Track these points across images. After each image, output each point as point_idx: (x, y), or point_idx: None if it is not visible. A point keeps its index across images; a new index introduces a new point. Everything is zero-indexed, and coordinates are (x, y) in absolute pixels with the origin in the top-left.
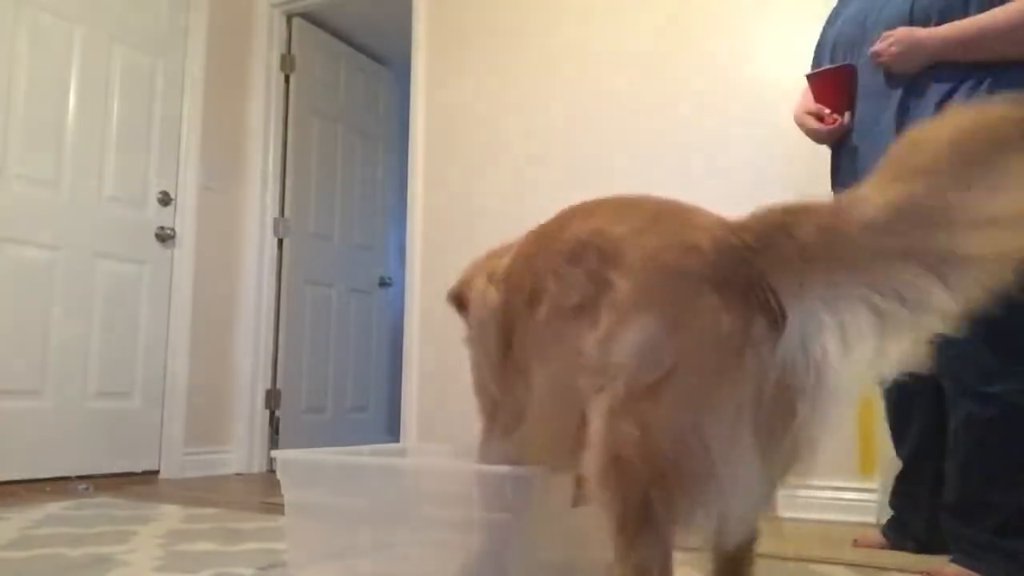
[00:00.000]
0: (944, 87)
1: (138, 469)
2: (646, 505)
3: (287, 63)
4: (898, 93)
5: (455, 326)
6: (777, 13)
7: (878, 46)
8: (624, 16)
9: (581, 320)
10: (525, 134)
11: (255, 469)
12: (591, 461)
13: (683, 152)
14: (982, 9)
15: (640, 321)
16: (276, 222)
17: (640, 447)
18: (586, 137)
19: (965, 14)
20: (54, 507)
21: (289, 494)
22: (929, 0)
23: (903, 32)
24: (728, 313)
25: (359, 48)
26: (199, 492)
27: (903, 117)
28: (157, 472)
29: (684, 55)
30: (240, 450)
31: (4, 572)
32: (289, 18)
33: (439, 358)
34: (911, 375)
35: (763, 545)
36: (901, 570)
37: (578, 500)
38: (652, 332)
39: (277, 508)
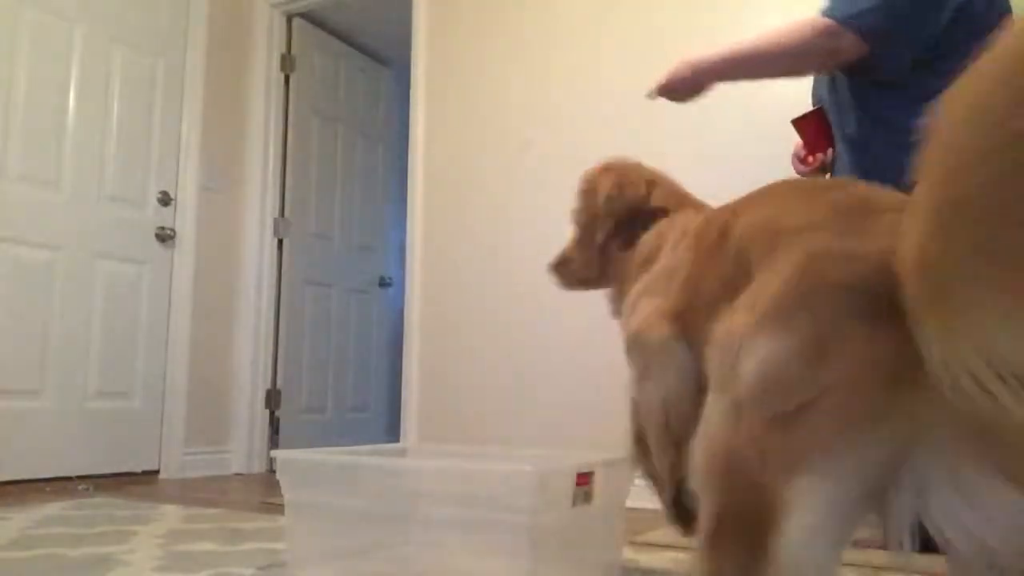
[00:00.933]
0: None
1: (138, 469)
2: (747, 504)
3: (287, 63)
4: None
5: (455, 326)
6: (781, 4)
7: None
8: (625, 14)
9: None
10: (526, 134)
11: (255, 469)
12: (700, 451)
13: (690, 152)
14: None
15: (773, 340)
16: (276, 222)
17: (758, 468)
18: (588, 137)
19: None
20: (54, 507)
21: (289, 494)
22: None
23: (678, 65)
24: (880, 344)
25: (359, 48)
26: (199, 492)
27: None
28: (157, 472)
29: (689, 51)
30: (240, 450)
31: (4, 572)
32: (289, 18)
33: (439, 358)
34: None
35: None
36: (901, 570)
37: (577, 500)
38: (787, 357)
39: (277, 508)
